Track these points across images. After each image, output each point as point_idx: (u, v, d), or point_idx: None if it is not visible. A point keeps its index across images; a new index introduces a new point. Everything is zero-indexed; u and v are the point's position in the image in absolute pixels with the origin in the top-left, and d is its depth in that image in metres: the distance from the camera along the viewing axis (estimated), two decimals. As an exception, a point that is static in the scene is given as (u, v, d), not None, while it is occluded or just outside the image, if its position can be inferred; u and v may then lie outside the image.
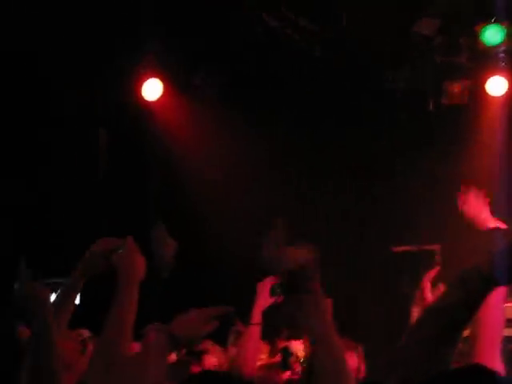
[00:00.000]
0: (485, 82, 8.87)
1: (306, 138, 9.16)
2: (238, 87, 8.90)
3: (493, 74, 8.83)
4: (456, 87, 8.98)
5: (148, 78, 8.56)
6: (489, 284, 2.33)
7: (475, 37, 8.58)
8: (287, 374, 4.81)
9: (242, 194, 8.85)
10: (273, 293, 4.23)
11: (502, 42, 8.57)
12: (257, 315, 4.21)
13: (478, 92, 9.00)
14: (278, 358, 4.95)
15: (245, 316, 4.36)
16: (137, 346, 2.90)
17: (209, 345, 6.01)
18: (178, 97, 8.82)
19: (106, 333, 2.89)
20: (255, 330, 4.19)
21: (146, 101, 8.71)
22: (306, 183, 9.42)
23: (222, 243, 8.85)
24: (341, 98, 9.10)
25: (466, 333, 5.87)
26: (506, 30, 8.52)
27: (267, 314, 4.25)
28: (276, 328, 5.23)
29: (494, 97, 8.93)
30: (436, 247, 9.24)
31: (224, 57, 8.64)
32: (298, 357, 4.78)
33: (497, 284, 2.33)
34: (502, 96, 8.92)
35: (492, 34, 8.56)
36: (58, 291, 3.29)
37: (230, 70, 8.79)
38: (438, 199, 8.88)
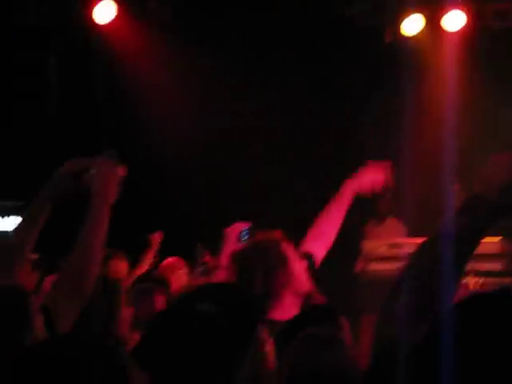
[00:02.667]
0: (442, 15, 8.84)
1: (260, 68, 9.03)
2: (193, 12, 8.75)
3: (450, 7, 8.79)
4: (413, 19, 8.96)
5: (101, 0, 8.32)
6: (496, 213, 2.07)
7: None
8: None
9: (192, 119, 8.78)
10: (241, 238, 4.24)
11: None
12: (225, 259, 4.17)
13: (434, 25, 8.96)
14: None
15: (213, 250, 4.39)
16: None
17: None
18: (132, 20, 8.61)
19: (75, 255, 2.85)
20: (222, 274, 4.15)
21: (99, 24, 8.46)
22: (255, 114, 9.29)
23: (176, 170, 8.83)
24: (297, 30, 8.99)
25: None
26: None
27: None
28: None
29: (450, 31, 8.90)
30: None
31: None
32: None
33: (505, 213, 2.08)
34: (459, 30, 8.88)
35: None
36: (23, 215, 3.17)
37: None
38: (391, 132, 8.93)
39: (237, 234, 4.23)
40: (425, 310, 1.97)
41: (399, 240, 8.05)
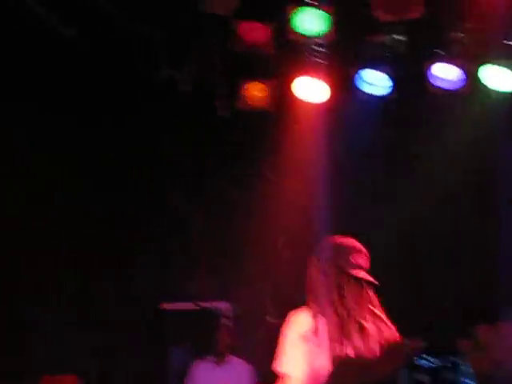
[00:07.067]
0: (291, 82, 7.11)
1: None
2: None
3: (305, 72, 7.04)
4: (256, 88, 7.30)
5: None
6: None
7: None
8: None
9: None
10: None
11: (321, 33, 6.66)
12: None
13: (285, 95, 7.26)
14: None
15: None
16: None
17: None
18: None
19: None
20: None
21: None
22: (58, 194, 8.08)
23: None
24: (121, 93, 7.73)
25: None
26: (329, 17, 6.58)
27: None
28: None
29: (305, 102, 7.17)
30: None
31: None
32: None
33: None
34: (320, 102, 7.12)
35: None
36: None
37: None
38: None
39: None
40: None
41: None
